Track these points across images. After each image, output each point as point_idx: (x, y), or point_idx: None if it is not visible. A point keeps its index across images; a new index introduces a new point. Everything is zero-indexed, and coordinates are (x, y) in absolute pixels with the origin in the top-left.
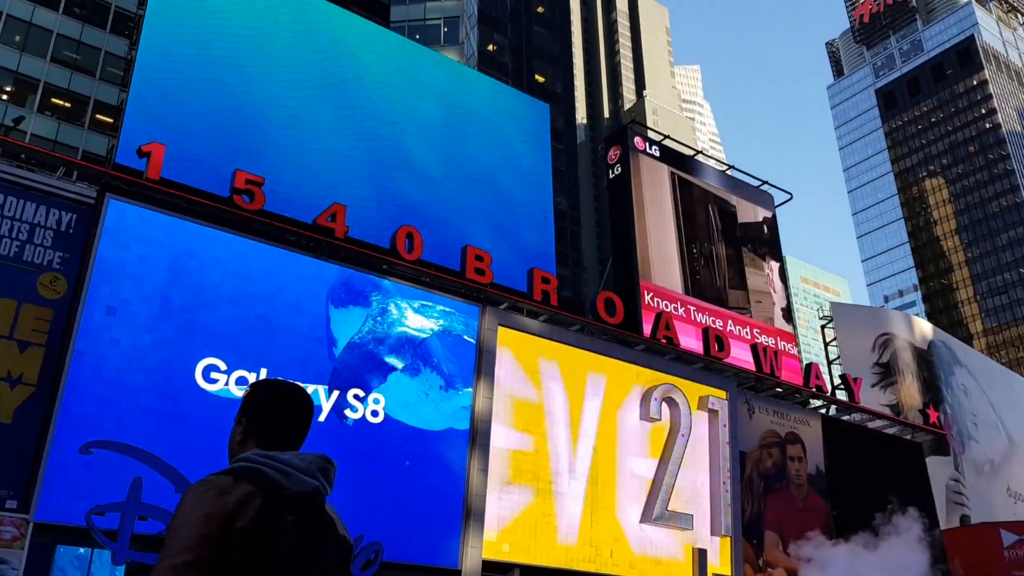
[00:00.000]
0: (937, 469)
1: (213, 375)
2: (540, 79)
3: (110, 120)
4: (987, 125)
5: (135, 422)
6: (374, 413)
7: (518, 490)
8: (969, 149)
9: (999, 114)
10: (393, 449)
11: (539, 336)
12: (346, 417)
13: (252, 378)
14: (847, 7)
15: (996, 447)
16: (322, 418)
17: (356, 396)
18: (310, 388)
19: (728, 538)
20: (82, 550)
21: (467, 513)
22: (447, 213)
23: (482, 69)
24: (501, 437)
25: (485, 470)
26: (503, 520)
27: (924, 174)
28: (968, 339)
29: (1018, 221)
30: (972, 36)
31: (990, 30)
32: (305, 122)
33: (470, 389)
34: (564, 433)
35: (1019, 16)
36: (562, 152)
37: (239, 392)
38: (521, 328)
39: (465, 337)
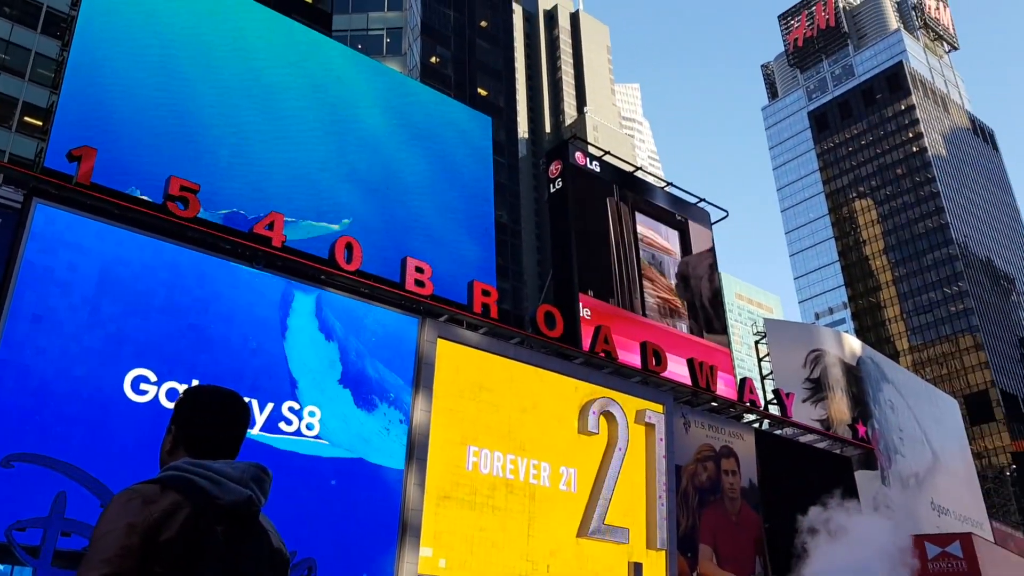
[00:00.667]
0: (865, 483)
1: (143, 386)
2: (483, 92)
3: (39, 123)
4: (914, 149)
5: (60, 434)
6: (309, 426)
7: (455, 505)
8: (897, 172)
9: (925, 138)
10: (328, 463)
11: (478, 349)
12: (280, 430)
13: (183, 389)
14: (782, 31)
15: (921, 461)
16: (255, 431)
17: (291, 409)
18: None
19: (663, 551)
20: (1, 567)
21: (403, 528)
22: (387, 224)
23: (425, 81)
24: (439, 451)
25: (422, 484)
26: (439, 535)
27: (854, 195)
28: (895, 356)
29: (943, 242)
30: (901, 62)
31: (918, 57)
32: (243, 130)
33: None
34: (501, 447)
35: (945, 44)
36: (503, 165)
37: (169, 404)
38: (461, 341)
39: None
